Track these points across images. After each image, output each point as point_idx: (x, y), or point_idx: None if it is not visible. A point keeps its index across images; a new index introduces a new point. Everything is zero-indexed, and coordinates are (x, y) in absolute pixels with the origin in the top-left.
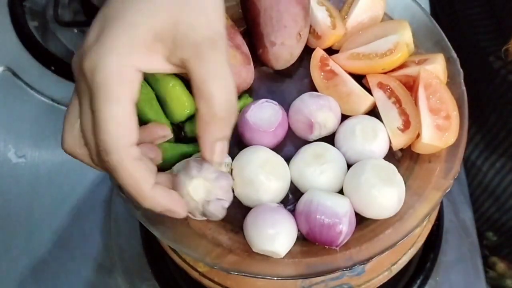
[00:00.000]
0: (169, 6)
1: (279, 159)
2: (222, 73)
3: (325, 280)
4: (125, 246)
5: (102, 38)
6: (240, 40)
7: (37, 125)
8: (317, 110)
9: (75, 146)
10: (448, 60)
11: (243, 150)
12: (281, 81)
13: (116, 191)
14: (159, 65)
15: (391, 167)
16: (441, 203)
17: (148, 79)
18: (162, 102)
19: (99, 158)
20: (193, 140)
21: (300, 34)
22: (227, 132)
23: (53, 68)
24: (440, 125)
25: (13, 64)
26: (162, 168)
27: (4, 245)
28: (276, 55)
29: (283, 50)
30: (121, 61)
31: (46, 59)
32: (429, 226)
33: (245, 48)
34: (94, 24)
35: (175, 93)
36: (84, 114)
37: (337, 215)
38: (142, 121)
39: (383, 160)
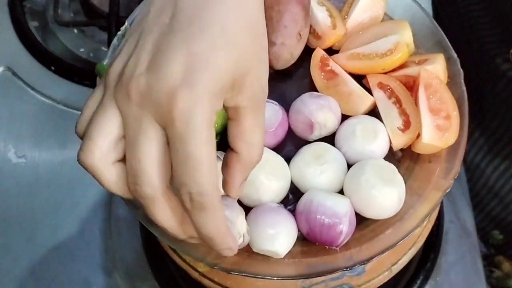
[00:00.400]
0: (249, 52)
1: (279, 159)
2: (264, 123)
3: (325, 280)
4: (125, 246)
5: (194, 81)
6: None
7: (37, 125)
8: (317, 110)
9: (102, 163)
10: (448, 60)
11: None
12: (281, 81)
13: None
14: (221, 105)
15: (391, 167)
16: (441, 203)
17: None
18: None
19: (188, 198)
20: None
21: (300, 34)
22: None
23: (53, 68)
24: (440, 125)
25: (13, 64)
26: None
27: (4, 245)
28: (276, 55)
29: (283, 50)
30: (212, 107)
31: (46, 59)
32: (429, 226)
33: None
34: (174, 55)
35: None
36: (147, 144)
37: (337, 215)
38: None
39: (383, 160)
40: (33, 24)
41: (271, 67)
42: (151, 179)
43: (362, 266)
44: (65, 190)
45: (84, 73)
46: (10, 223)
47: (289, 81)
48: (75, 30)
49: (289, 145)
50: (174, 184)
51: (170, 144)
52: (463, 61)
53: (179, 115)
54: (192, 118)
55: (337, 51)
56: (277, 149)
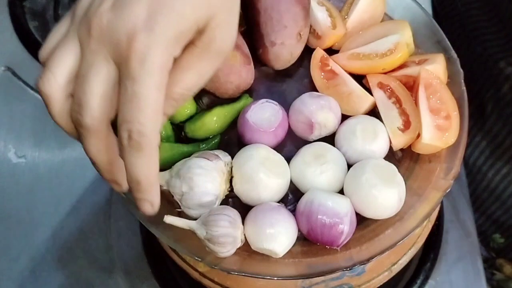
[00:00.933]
0: (215, 2)
1: (279, 157)
2: (205, 77)
3: (325, 280)
4: (125, 246)
5: (154, 26)
6: (240, 40)
7: (37, 125)
8: (318, 110)
9: (57, 93)
10: (449, 60)
11: (243, 148)
12: (281, 81)
13: (116, 191)
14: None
15: (392, 167)
16: (441, 203)
17: None
18: None
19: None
20: (193, 140)
21: (300, 34)
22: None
23: None
24: (440, 125)
25: (13, 64)
26: (162, 168)
27: (4, 245)
28: (276, 55)
29: (283, 50)
30: (169, 53)
31: None
32: (429, 226)
33: (245, 48)
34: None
35: None
36: (96, 78)
37: (338, 215)
38: None
39: (384, 160)
40: (33, 24)
41: (271, 67)
42: (92, 111)
43: (362, 266)
44: (65, 190)
45: None
46: (10, 223)
47: (289, 81)
48: None
49: (289, 145)
50: (118, 121)
51: (121, 81)
52: (465, 64)
53: (135, 55)
54: (147, 59)
55: (337, 51)
56: (277, 149)
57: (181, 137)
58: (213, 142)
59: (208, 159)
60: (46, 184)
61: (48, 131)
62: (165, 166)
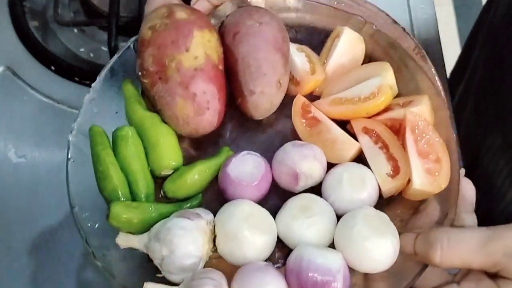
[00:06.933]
0: None
1: (264, 213)
2: None
3: None
4: None
5: None
6: (199, 87)
7: (37, 125)
8: (302, 160)
9: None
10: (435, 95)
11: (225, 204)
12: (262, 131)
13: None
14: None
15: (383, 215)
16: None
17: (141, 126)
18: (149, 151)
19: None
20: (172, 200)
21: (280, 82)
22: None
23: (53, 68)
24: (430, 169)
25: (13, 64)
26: (141, 230)
27: (4, 245)
28: (255, 104)
29: (263, 99)
30: None
31: (46, 59)
32: None
33: (205, 96)
34: None
35: (169, 140)
36: None
37: (330, 272)
38: (127, 173)
39: (374, 209)
40: (33, 24)
41: (250, 116)
42: None
43: None
44: (65, 190)
45: (84, 73)
46: (10, 223)
47: (270, 131)
48: (75, 30)
49: (274, 198)
50: None
51: None
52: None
53: None
54: None
55: (318, 97)
56: (262, 203)
57: (159, 196)
58: (196, 202)
59: (189, 218)
60: (46, 184)
61: (48, 131)
62: (143, 228)
